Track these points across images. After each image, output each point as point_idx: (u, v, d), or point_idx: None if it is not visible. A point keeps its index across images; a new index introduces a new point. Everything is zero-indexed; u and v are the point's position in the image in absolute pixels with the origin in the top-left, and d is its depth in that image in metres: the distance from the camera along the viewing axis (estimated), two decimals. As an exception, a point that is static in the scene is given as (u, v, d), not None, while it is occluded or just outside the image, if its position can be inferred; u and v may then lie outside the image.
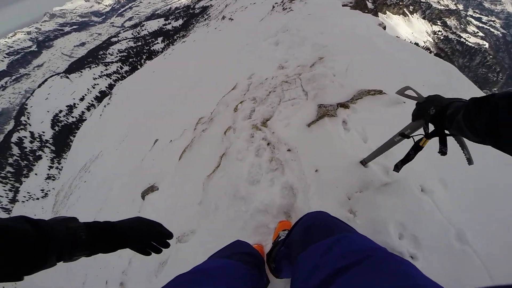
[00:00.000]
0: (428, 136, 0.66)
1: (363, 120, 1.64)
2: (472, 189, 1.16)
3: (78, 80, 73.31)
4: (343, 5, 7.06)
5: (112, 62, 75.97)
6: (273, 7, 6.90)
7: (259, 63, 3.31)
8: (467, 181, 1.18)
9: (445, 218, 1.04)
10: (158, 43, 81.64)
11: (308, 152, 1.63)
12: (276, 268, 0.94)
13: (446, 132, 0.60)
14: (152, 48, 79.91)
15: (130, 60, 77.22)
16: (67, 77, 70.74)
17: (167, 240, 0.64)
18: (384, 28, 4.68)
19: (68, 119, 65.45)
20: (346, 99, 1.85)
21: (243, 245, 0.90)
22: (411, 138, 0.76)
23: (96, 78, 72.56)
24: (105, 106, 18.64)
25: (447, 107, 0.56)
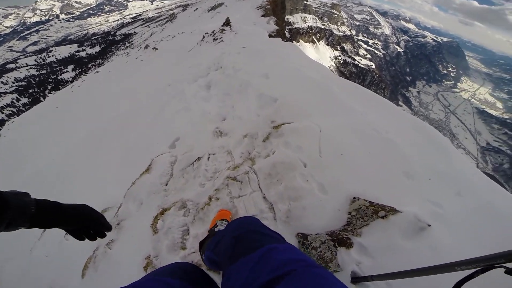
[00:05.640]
0: None
1: (384, 268, 0.93)
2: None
3: (-47, 115, 52.58)
4: (269, 36, 6.99)
5: (5, 93, 58.72)
6: (203, 37, 6.25)
7: (186, 120, 2.33)
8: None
9: None
10: (68, 71, 68.22)
11: None
12: (206, 261, 0.94)
13: None
14: (60, 77, 66.01)
15: (31, 91, 61.69)
16: None
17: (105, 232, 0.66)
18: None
19: None
20: (340, 222, 1.10)
21: (185, 264, 0.74)
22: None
23: (-20, 114, 53.62)
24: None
25: None
